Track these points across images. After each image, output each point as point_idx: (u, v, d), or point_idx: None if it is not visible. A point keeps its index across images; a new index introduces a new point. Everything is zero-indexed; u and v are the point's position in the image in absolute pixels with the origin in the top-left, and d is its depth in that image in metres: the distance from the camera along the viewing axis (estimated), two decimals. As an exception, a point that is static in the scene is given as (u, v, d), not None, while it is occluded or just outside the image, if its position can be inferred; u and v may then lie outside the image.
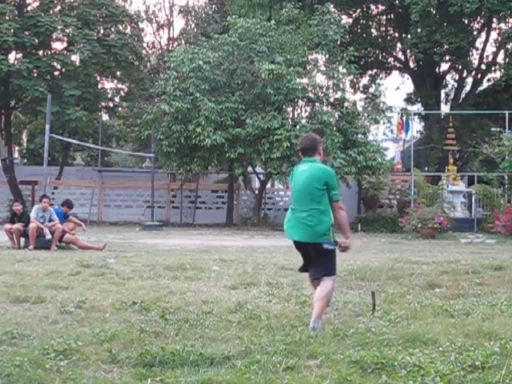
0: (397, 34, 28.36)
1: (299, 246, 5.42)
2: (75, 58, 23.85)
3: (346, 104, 21.41)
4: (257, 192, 23.04)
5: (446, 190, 21.29)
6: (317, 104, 21.45)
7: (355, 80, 27.02)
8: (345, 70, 21.71)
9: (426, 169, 26.50)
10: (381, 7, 28.45)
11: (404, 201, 22.46)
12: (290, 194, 5.70)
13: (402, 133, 26.94)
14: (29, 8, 23.85)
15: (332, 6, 23.35)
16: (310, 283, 5.63)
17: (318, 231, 5.18)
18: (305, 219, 5.21)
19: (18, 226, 12.40)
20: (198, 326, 5.20)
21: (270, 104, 20.56)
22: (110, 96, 25.88)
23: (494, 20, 25.69)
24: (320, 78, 21.72)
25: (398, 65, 30.26)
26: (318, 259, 5.29)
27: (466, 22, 25.11)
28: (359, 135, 21.46)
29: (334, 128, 20.42)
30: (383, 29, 29.55)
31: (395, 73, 31.47)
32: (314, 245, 5.22)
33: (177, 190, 25.31)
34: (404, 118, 26.01)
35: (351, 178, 21.33)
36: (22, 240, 12.50)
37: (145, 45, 28.56)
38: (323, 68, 21.89)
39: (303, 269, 5.60)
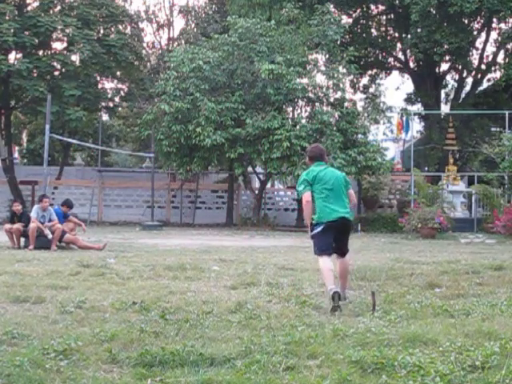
0: (397, 34, 28.36)
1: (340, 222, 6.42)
2: (75, 58, 23.84)
3: (346, 104, 21.41)
4: (257, 192, 23.04)
5: (446, 190, 21.29)
6: (317, 104, 21.46)
7: (355, 80, 27.02)
8: (345, 70, 21.72)
9: (426, 169, 26.49)
10: (381, 7, 28.44)
11: (404, 201, 22.44)
12: (308, 188, 6.49)
13: (402, 133, 26.93)
14: (29, 8, 23.84)
15: (332, 5, 23.39)
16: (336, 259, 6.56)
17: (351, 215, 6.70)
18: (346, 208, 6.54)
19: (18, 225, 12.39)
20: (197, 326, 5.20)
21: (270, 104, 20.56)
22: (110, 96, 25.86)
23: (494, 20, 25.67)
24: (320, 78, 21.77)
25: (398, 65, 30.26)
26: (347, 236, 6.66)
27: (466, 22, 25.10)
28: (359, 135, 21.44)
29: (334, 128, 20.42)
30: (383, 29, 29.55)
31: (395, 73, 31.51)
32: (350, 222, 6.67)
33: (177, 190, 25.30)
34: (404, 118, 26.00)
35: (351, 178, 21.27)
36: (22, 240, 12.50)
37: (145, 45, 28.55)
38: (323, 68, 21.89)
39: (329, 249, 6.45)
